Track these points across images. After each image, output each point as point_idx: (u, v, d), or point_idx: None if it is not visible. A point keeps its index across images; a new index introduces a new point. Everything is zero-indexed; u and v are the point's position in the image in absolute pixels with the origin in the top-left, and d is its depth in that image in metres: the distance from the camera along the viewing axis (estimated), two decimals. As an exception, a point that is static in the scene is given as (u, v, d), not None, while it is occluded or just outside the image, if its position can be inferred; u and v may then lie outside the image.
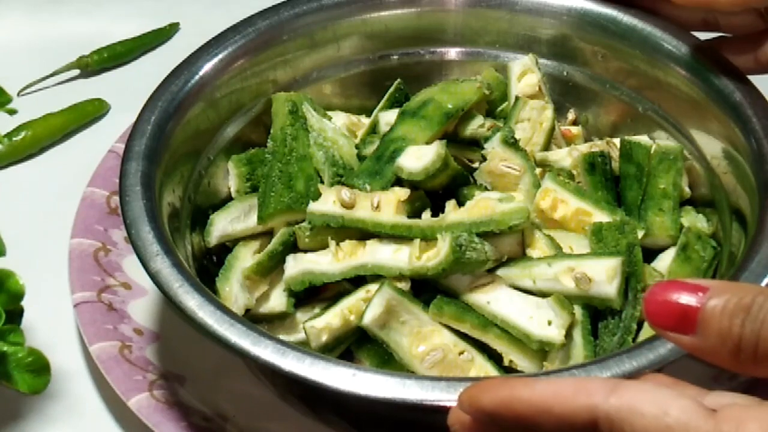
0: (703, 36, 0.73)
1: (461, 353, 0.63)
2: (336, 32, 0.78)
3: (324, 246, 0.67)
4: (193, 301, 0.58)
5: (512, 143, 0.70)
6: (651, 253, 0.69)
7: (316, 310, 0.67)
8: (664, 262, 0.68)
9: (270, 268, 0.68)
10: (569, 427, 0.43)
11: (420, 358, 0.63)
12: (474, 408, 0.45)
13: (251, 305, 0.67)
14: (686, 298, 0.43)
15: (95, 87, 0.94)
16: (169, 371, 0.68)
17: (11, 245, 0.67)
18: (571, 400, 0.43)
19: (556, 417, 0.43)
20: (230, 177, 0.74)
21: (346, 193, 0.67)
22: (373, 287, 0.64)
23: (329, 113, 0.76)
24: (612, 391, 0.42)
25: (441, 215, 0.66)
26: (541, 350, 0.63)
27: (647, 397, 0.41)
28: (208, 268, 0.70)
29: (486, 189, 0.70)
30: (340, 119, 0.77)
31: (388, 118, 0.75)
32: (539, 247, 0.67)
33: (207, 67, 0.72)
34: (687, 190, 0.72)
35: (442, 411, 0.52)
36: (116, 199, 0.76)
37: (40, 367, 0.65)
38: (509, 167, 0.69)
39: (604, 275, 0.63)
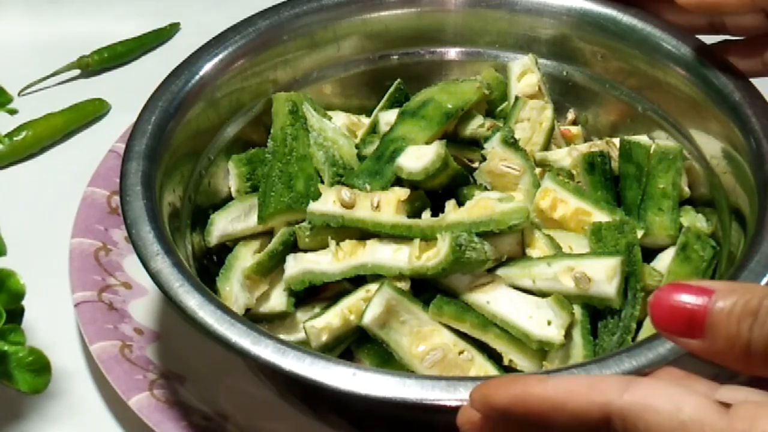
0: (708, 39, 0.73)
1: (461, 353, 0.64)
2: (336, 32, 0.78)
3: (324, 246, 0.67)
4: (193, 301, 0.58)
5: (512, 143, 0.70)
6: (650, 253, 0.69)
7: (317, 310, 0.67)
8: (664, 261, 0.68)
9: (270, 268, 0.68)
10: (582, 423, 0.43)
11: (420, 358, 0.63)
12: (486, 405, 0.45)
13: (251, 305, 0.67)
14: (692, 302, 0.43)
15: (96, 87, 0.94)
16: (170, 370, 0.68)
17: (12, 245, 0.67)
18: (585, 396, 0.43)
19: (569, 413, 0.43)
20: (230, 177, 0.74)
21: (346, 192, 0.67)
22: (373, 287, 0.64)
23: (329, 113, 0.76)
24: (626, 388, 0.42)
25: (441, 215, 0.66)
26: (541, 350, 0.63)
27: (661, 394, 0.41)
28: (208, 267, 0.70)
29: (486, 189, 0.70)
30: (340, 119, 0.77)
31: (388, 118, 0.75)
32: (539, 247, 0.67)
33: (207, 67, 0.72)
34: (686, 189, 0.72)
35: (443, 410, 0.53)
36: (117, 198, 0.76)
37: (40, 367, 0.65)
38: (509, 167, 0.70)
39: (603, 275, 0.63)
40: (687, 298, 0.43)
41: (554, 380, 0.44)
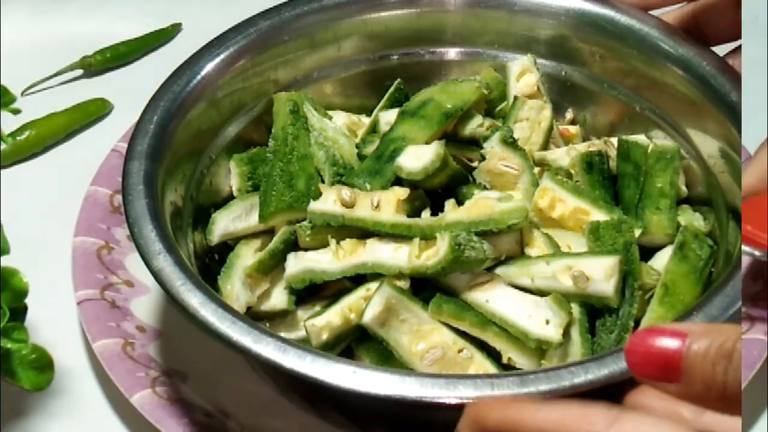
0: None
1: (460, 351, 0.64)
2: (336, 32, 0.78)
3: (324, 244, 0.68)
4: (195, 299, 0.59)
5: (511, 143, 0.70)
6: (648, 252, 0.69)
7: (317, 308, 0.67)
8: (661, 260, 0.68)
9: (271, 267, 0.69)
10: None
11: (419, 356, 0.63)
12: (479, 425, 0.46)
13: (253, 303, 0.67)
14: (667, 346, 0.43)
15: (98, 87, 0.94)
16: (172, 368, 0.69)
17: (15, 243, 0.67)
18: (574, 428, 0.43)
19: None
20: (232, 176, 0.74)
21: (346, 192, 0.67)
22: (373, 286, 0.65)
23: (330, 113, 0.77)
24: (613, 423, 0.42)
25: (440, 214, 0.66)
26: (539, 348, 0.63)
27: (647, 431, 0.42)
28: (210, 266, 0.70)
29: (485, 188, 0.70)
30: (341, 119, 0.77)
31: (388, 117, 0.75)
32: (537, 246, 0.67)
33: (209, 67, 0.73)
34: (684, 189, 0.73)
35: (442, 408, 0.53)
36: (119, 197, 0.76)
37: (43, 364, 0.65)
38: (508, 166, 0.70)
39: (601, 274, 0.63)
40: (661, 342, 0.43)
41: (546, 408, 0.44)
